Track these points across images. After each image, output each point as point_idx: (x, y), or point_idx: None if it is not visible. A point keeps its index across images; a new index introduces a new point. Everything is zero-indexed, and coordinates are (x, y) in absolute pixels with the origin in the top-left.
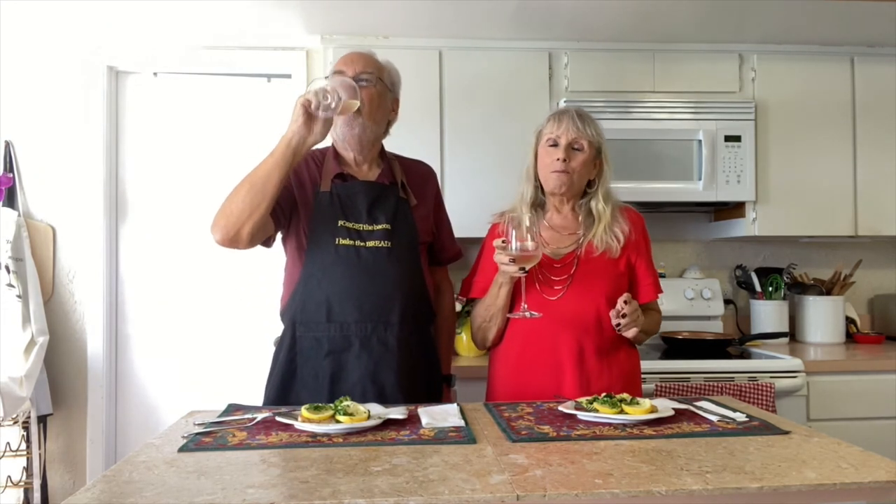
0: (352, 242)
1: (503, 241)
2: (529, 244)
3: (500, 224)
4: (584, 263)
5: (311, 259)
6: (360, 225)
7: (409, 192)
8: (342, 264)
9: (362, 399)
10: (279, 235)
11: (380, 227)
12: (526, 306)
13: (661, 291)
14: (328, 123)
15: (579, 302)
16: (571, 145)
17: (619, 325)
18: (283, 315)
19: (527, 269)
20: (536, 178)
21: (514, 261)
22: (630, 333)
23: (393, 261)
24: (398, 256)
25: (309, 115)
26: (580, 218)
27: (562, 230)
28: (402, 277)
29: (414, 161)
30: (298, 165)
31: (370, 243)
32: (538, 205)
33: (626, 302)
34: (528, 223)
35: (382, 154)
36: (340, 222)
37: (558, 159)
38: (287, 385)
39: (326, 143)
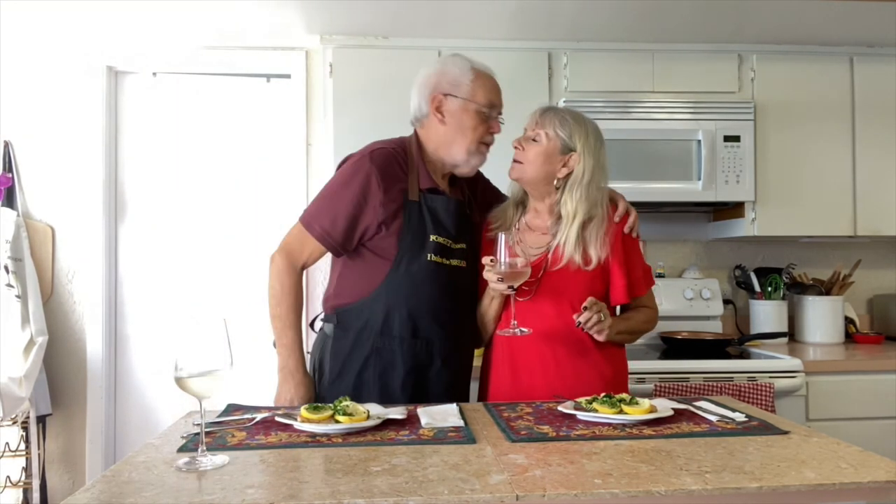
0: (441, 259)
1: (491, 260)
2: (518, 261)
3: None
4: (552, 266)
5: (398, 269)
6: (449, 241)
7: (474, 208)
8: (431, 281)
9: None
10: None
11: (459, 245)
12: (515, 323)
13: (640, 293)
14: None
15: (547, 305)
16: (530, 137)
17: (579, 323)
18: (347, 315)
19: (515, 286)
20: None
21: (502, 279)
22: (599, 336)
23: (469, 280)
24: (472, 276)
25: None
26: (554, 219)
27: (536, 230)
28: (474, 297)
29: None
30: (386, 171)
31: (453, 261)
32: (522, 202)
33: (585, 307)
34: (512, 238)
35: None
36: (433, 237)
37: (516, 147)
38: (356, 392)
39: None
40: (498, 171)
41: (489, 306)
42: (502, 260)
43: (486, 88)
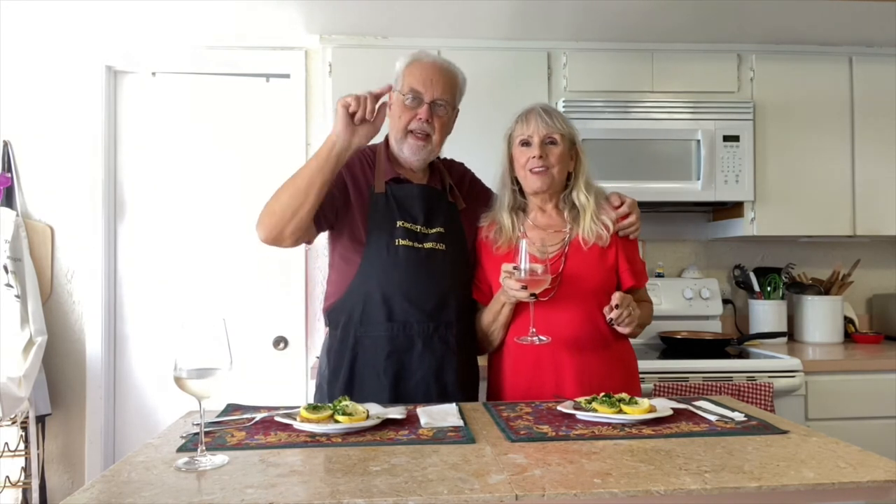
0: (410, 243)
1: (514, 267)
2: (539, 267)
3: (483, 229)
4: (571, 260)
5: (368, 258)
6: (418, 227)
7: (457, 195)
8: (402, 264)
9: (425, 398)
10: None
11: (434, 230)
12: (535, 331)
13: (643, 283)
14: (373, 127)
15: (571, 300)
16: (544, 141)
17: (611, 320)
18: (334, 313)
19: (537, 293)
20: (514, 182)
21: (525, 286)
22: (625, 329)
23: (448, 262)
24: (452, 259)
25: (351, 118)
26: (566, 213)
27: (548, 228)
28: (457, 278)
29: (448, 161)
30: (351, 165)
31: (427, 245)
32: (519, 208)
33: (617, 305)
34: (526, 247)
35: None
36: (399, 223)
37: (534, 157)
38: (349, 387)
39: (377, 138)
40: (495, 169)
41: (499, 313)
42: (523, 267)
43: (412, 76)
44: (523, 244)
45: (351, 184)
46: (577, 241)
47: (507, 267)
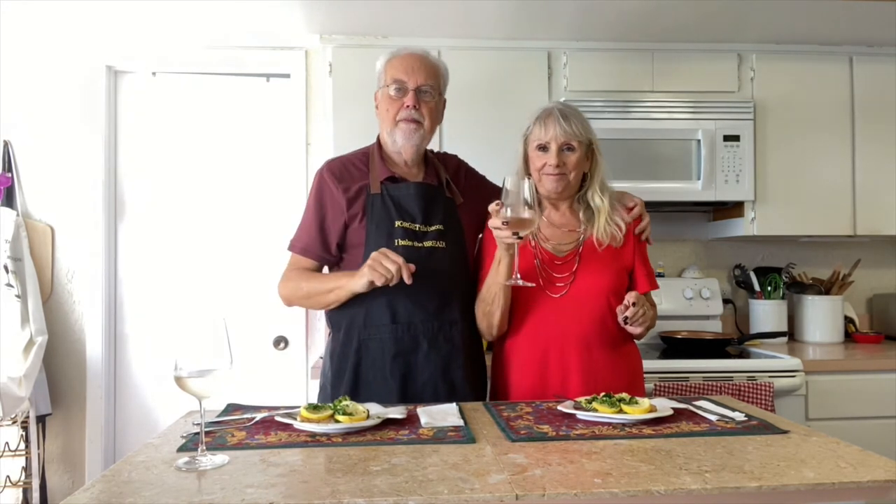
0: (410, 243)
1: (497, 204)
2: (524, 208)
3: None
4: (585, 259)
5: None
6: (416, 225)
7: (454, 190)
8: None
9: (434, 397)
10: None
11: (433, 227)
12: (518, 275)
13: (655, 286)
14: None
15: (583, 298)
16: (562, 148)
17: (626, 318)
18: (336, 316)
19: (521, 234)
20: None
21: (507, 224)
22: (637, 329)
23: (448, 260)
24: (452, 255)
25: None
26: (580, 213)
27: (562, 227)
28: (458, 275)
29: (442, 154)
30: (342, 175)
31: (427, 243)
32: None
33: (633, 303)
34: (525, 193)
35: (425, 154)
36: (398, 223)
37: (551, 164)
38: (354, 390)
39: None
40: (495, 168)
41: (497, 272)
42: (507, 203)
43: (394, 68)
44: (507, 180)
45: (344, 198)
46: (591, 241)
47: (491, 206)
